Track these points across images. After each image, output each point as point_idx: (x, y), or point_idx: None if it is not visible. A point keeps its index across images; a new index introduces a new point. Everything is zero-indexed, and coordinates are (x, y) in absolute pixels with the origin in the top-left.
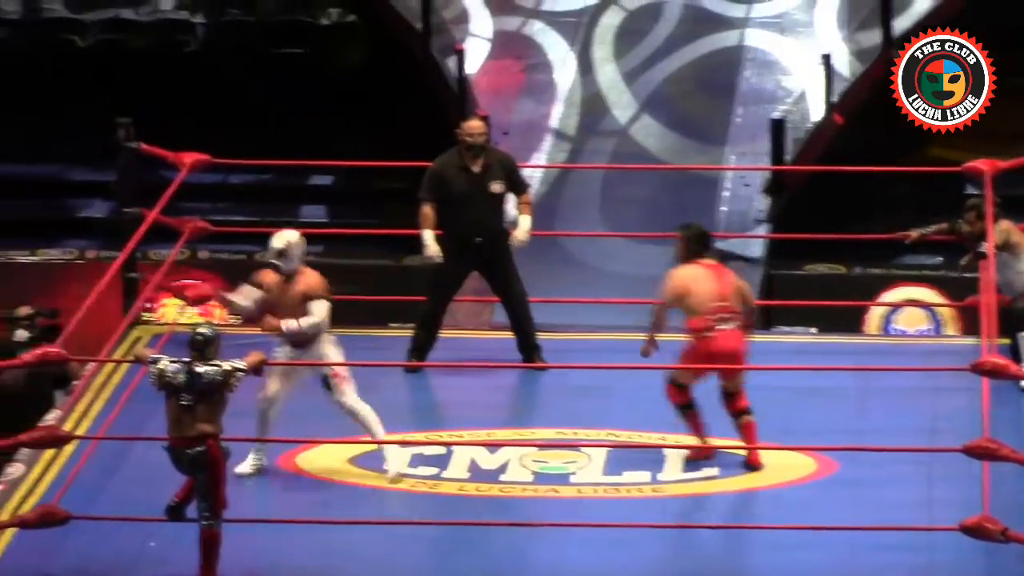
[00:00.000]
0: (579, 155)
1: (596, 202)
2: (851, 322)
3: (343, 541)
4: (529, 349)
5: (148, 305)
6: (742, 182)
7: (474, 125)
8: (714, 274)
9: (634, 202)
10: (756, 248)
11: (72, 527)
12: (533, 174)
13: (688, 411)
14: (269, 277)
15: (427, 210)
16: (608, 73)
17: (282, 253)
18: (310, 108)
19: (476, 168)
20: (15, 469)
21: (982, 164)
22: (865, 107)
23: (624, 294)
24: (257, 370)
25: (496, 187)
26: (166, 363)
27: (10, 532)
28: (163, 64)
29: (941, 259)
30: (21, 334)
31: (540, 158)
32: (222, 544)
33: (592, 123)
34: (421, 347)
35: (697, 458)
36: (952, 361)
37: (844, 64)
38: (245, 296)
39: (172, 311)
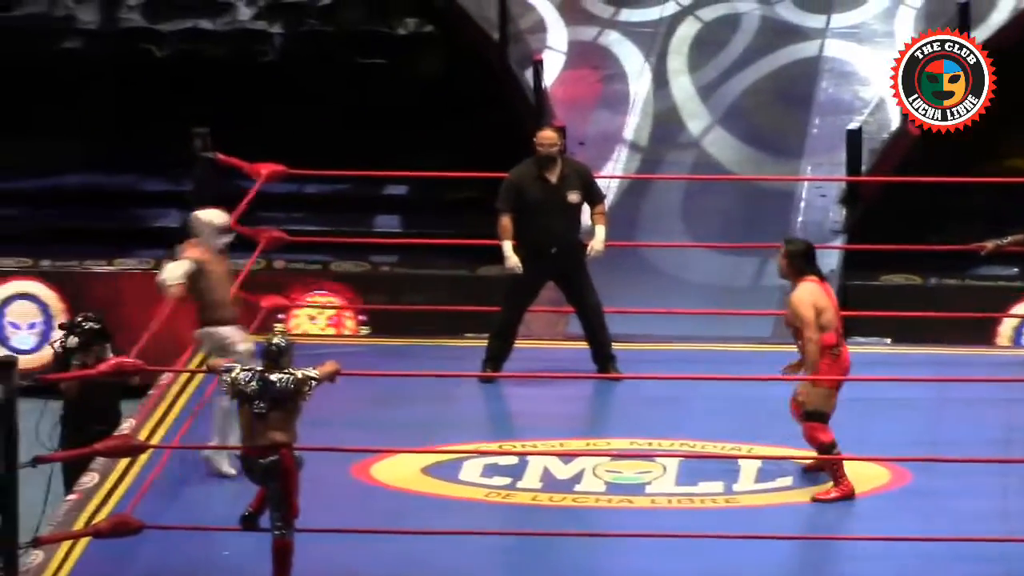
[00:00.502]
0: (654, 166)
1: (677, 213)
2: (925, 332)
3: (416, 551)
4: (604, 360)
5: (280, 317)
6: (818, 193)
7: (547, 135)
8: (827, 289)
9: (712, 213)
10: (832, 259)
11: (145, 536)
12: (609, 184)
13: (834, 451)
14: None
15: (505, 221)
16: (683, 84)
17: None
18: (387, 118)
19: (553, 178)
20: (89, 478)
21: None
22: None
23: (703, 304)
24: (331, 379)
25: (573, 197)
26: (239, 372)
27: (84, 541)
28: (240, 74)
29: (1016, 270)
30: (72, 340)
31: (615, 169)
32: (295, 554)
33: (666, 135)
34: (496, 357)
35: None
36: None
37: None
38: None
39: (305, 322)
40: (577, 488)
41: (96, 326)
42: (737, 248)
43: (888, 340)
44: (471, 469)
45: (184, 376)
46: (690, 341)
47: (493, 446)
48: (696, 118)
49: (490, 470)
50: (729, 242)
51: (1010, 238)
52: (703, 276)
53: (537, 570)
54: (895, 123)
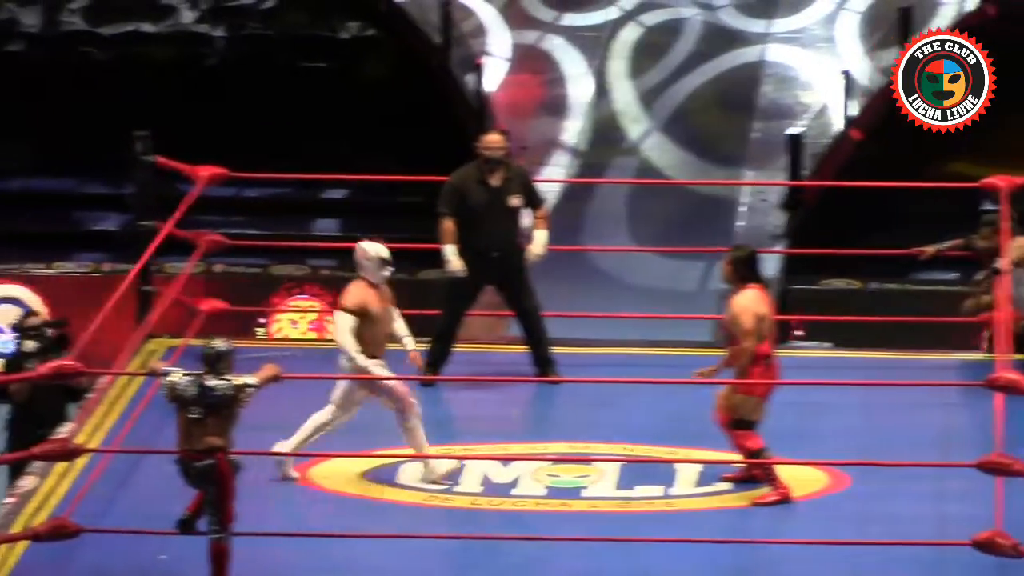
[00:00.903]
0: (595, 171)
1: (620, 217)
2: (866, 337)
3: (354, 555)
4: (543, 363)
5: (261, 321)
6: (759, 197)
7: (493, 139)
8: (766, 298)
9: (655, 218)
10: (773, 263)
11: (83, 540)
12: (551, 189)
13: (765, 456)
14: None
15: (448, 224)
16: (625, 89)
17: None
18: (329, 122)
19: (495, 182)
20: (28, 481)
21: (999, 180)
22: (883, 122)
23: (645, 307)
24: (274, 381)
25: (514, 201)
26: (178, 376)
27: (22, 545)
28: (182, 77)
29: (957, 274)
30: (30, 345)
31: (557, 173)
32: (232, 558)
33: (608, 139)
34: (436, 361)
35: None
36: (965, 376)
37: (863, 79)
38: None
39: (287, 327)
40: (516, 492)
41: (56, 332)
42: (679, 252)
43: (829, 344)
44: (410, 473)
45: (123, 379)
46: (630, 345)
47: (432, 450)
48: (638, 123)
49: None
50: (671, 246)
51: (950, 243)
52: (646, 280)
53: (476, 574)
54: (836, 128)
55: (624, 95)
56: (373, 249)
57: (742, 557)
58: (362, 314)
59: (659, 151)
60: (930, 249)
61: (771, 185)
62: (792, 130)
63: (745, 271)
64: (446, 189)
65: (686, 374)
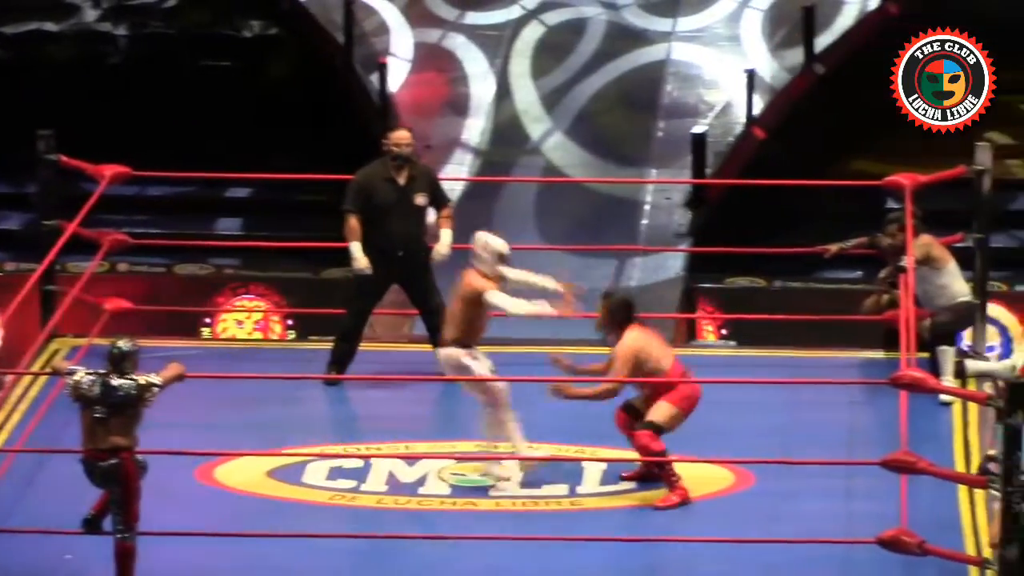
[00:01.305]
0: (500, 170)
1: (529, 216)
2: (771, 335)
3: (260, 554)
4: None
5: (207, 321)
6: (663, 196)
7: (401, 135)
8: (648, 332)
9: (561, 217)
10: (677, 262)
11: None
12: (455, 188)
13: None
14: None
15: (353, 222)
16: (528, 89)
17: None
18: (233, 121)
19: (401, 180)
20: None
21: (902, 178)
22: (787, 121)
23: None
24: (179, 380)
25: (420, 199)
26: (82, 375)
27: None
28: (85, 76)
29: (860, 273)
30: None
31: (460, 172)
32: (137, 557)
33: (512, 139)
34: (341, 359)
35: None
36: (869, 374)
37: (767, 78)
38: None
39: (232, 326)
40: (422, 491)
41: None
42: (585, 251)
43: (733, 343)
44: (315, 472)
45: (27, 378)
46: (536, 344)
47: (338, 449)
48: (541, 122)
49: (335, 473)
50: (577, 245)
51: (854, 241)
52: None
53: (382, 573)
54: (740, 126)
55: (527, 94)
56: (494, 243)
57: (649, 556)
58: (476, 301)
59: (562, 151)
60: (834, 247)
61: (675, 183)
62: (696, 129)
63: (623, 317)
64: (352, 186)
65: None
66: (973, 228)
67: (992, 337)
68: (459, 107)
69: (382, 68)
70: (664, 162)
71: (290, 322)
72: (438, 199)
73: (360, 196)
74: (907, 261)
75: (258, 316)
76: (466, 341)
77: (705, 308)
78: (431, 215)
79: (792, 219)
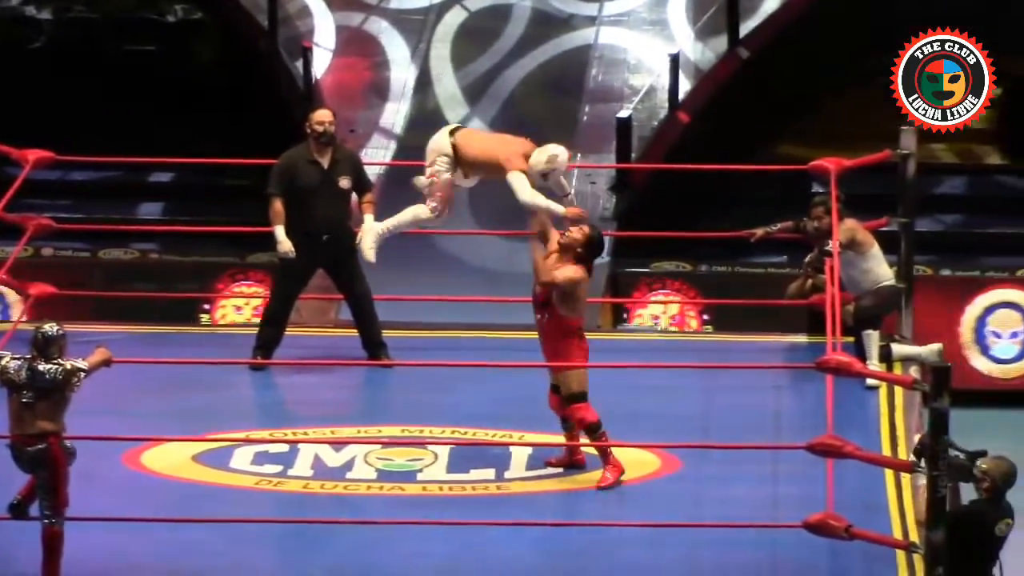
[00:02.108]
0: (421, 156)
1: (458, 202)
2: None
3: (187, 539)
4: (374, 346)
5: (206, 307)
6: (588, 180)
7: (322, 115)
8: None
9: (487, 201)
10: None
11: None
12: (376, 172)
13: (601, 429)
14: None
15: (278, 205)
16: (449, 74)
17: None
18: (157, 105)
19: (325, 162)
20: None
21: (828, 163)
22: (711, 105)
23: (483, 288)
24: (106, 365)
25: (344, 183)
26: (7, 360)
27: None
28: (8, 60)
29: (785, 257)
30: None
31: (383, 157)
32: (65, 542)
33: (433, 124)
34: (267, 344)
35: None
36: (795, 359)
37: (692, 62)
38: None
39: (231, 313)
40: (349, 475)
41: None
42: (511, 235)
43: (660, 327)
44: (242, 457)
45: None
46: (462, 328)
47: (264, 434)
48: (463, 108)
49: (261, 458)
50: (506, 229)
51: (779, 225)
52: (483, 261)
53: (309, 557)
54: (665, 111)
55: (449, 80)
56: (554, 151)
57: (576, 540)
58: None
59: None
60: (760, 231)
61: (599, 168)
62: (621, 113)
63: (589, 253)
64: (276, 169)
65: (517, 357)
66: (898, 212)
67: (1014, 323)
68: (382, 92)
69: (306, 52)
70: (589, 147)
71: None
72: (362, 183)
73: (283, 179)
74: (832, 245)
75: (256, 303)
76: None
77: (687, 293)
78: (354, 200)
79: (718, 203)
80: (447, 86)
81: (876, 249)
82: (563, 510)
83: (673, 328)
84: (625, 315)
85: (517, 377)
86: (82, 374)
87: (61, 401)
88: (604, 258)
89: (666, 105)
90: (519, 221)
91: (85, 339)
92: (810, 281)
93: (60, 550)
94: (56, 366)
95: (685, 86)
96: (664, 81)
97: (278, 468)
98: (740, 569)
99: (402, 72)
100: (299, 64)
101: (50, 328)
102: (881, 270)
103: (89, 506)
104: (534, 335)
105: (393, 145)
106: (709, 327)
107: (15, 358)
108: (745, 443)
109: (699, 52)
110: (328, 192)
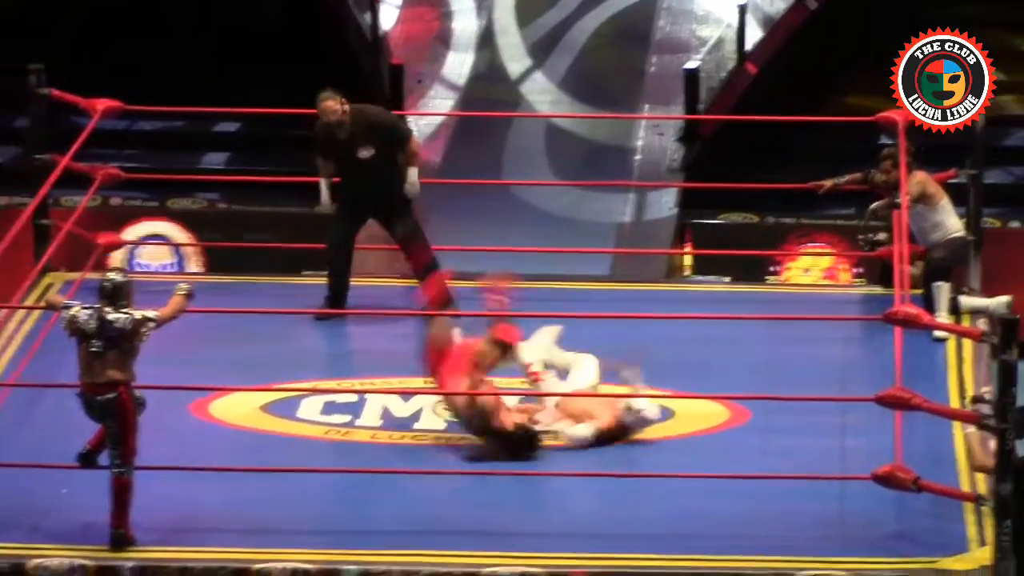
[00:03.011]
0: (489, 107)
1: (528, 153)
2: (764, 271)
3: (255, 489)
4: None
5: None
6: (655, 132)
7: (325, 107)
8: None
9: (553, 154)
10: (670, 197)
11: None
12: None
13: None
14: None
15: (320, 161)
16: (517, 25)
17: None
18: (224, 55)
19: (342, 136)
20: None
21: (895, 114)
22: (779, 56)
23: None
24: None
25: (363, 153)
26: (77, 309)
27: None
28: (77, 10)
29: (853, 209)
30: None
31: (449, 108)
32: (134, 491)
33: (499, 75)
34: (336, 293)
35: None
36: (864, 310)
37: (760, 12)
38: None
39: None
40: (416, 426)
41: None
42: (578, 186)
43: (727, 279)
44: (310, 407)
45: (20, 313)
46: (533, 280)
47: (332, 384)
48: (527, 59)
49: (329, 408)
50: (574, 178)
51: (847, 177)
52: (557, 210)
53: (376, 507)
54: (733, 61)
55: (513, 31)
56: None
57: (642, 491)
58: None
59: (555, 87)
60: (828, 183)
61: (667, 119)
62: (689, 64)
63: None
64: (315, 136)
65: (585, 308)
66: (967, 164)
67: None
68: (448, 43)
69: (373, 2)
70: (657, 98)
71: None
72: (392, 140)
73: (318, 145)
74: (901, 198)
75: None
76: None
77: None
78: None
79: (785, 155)
80: (512, 38)
81: (946, 201)
82: (629, 461)
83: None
84: (775, 268)
85: (583, 328)
86: (151, 324)
87: (130, 351)
88: (671, 209)
89: (734, 56)
90: (580, 173)
91: (154, 288)
92: (883, 234)
93: (129, 499)
94: (125, 315)
95: (753, 37)
96: (732, 32)
97: (346, 418)
98: (807, 521)
99: (469, 23)
100: (367, 15)
101: (117, 276)
102: (951, 222)
103: (158, 455)
104: (601, 285)
105: (457, 96)
106: (861, 280)
107: (85, 308)
108: (814, 395)
109: (767, 2)
110: (352, 162)
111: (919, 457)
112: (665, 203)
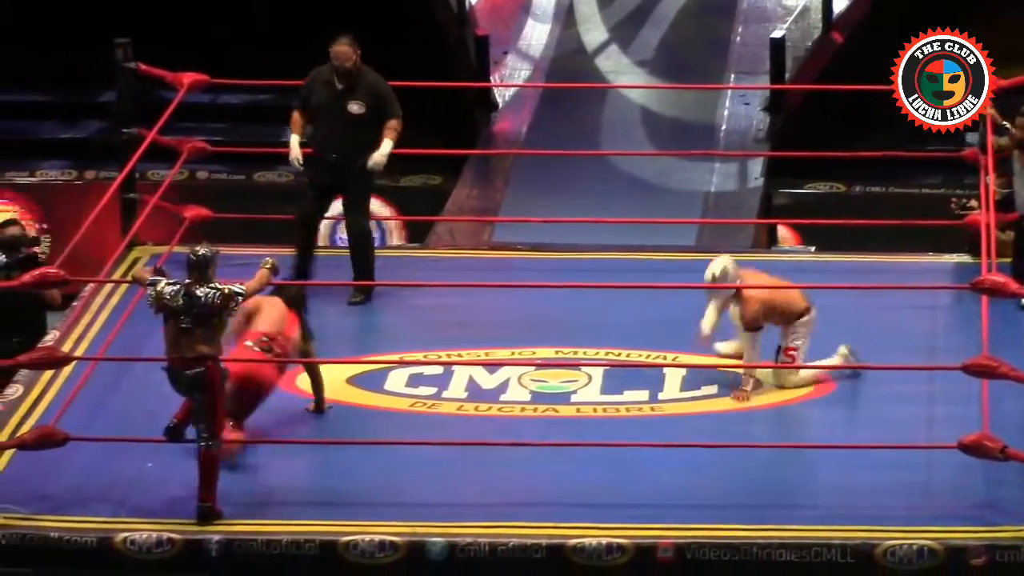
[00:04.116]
0: (574, 77)
1: (619, 123)
2: (850, 240)
3: (341, 461)
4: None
5: None
6: (741, 101)
7: (339, 50)
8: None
9: (639, 125)
10: (756, 167)
11: (71, 448)
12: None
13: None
14: None
15: (295, 116)
16: None
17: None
18: (308, 28)
19: (340, 85)
20: (13, 390)
21: None
22: (865, 24)
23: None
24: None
25: (354, 108)
26: (164, 285)
27: (9, 453)
28: None
29: (940, 178)
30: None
31: (533, 78)
32: (221, 464)
33: (585, 47)
34: (300, 268)
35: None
36: (951, 279)
37: None
38: None
39: None
40: (503, 398)
41: (27, 250)
42: (665, 155)
43: (812, 248)
44: (396, 379)
45: (108, 286)
46: (616, 249)
47: (418, 356)
48: (614, 29)
49: (416, 380)
50: (658, 148)
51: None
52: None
53: (463, 479)
54: (818, 30)
55: (597, 6)
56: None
57: (729, 461)
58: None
59: (643, 56)
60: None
61: (753, 89)
62: (775, 34)
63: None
64: (307, 82)
65: (670, 278)
66: None
67: None
68: (534, 14)
69: None
70: (742, 67)
71: None
72: (383, 111)
73: (303, 93)
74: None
75: None
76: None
77: None
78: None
79: (872, 124)
80: (599, 7)
81: None
82: (717, 432)
83: None
84: None
85: (671, 299)
86: (240, 298)
87: (219, 325)
88: (757, 179)
89: (820, 25)
90: (667, 142)
91: (236, 262)
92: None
93: (216, 473)
94: (214, 290)
95: (839, 5)
96: (817, 1)
97: (432, 390)
98: (894, 490)
99: None
100: None
101: (205, 250)
102: None
103: (245, 428)
104: (688, 256)
105: (545, 67)
106: None
107: (170, 283)
108: (901, 364)
109: None
110: (337, 115)
111: (1006, 426)
112: (752, 173)
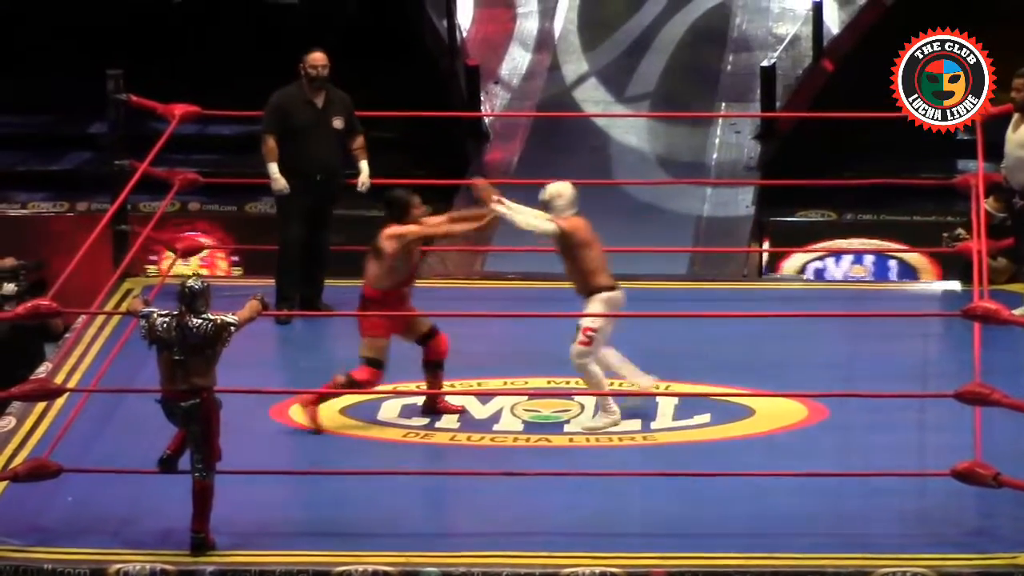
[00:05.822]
0: (562, 107)
1: (599, 151)
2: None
3: (335, 492)
4: (313, 299)
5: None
6: (732, 129)
7: (316, 57)
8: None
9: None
10: (747, 195)
11: (64, 480)
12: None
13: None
14: None
15: (271, 143)
16: (592, 25)
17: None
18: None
19: (319, 102)
20: (6, 422)
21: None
22: (856, 52)
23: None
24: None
25: (337, 123)
26: (156, 316)
27: (2, 485)
28: (153, 15)
29: (932, 205)
30: (8, 288)
31: (526, 108)
32: (215, 496)
33: (578, 75)
34: (291, 296)
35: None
36: (943, 306)
37: (836, 9)
38: None
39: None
40: (495, 427)
41: (33, 275)
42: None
43: (804, 276)
44: (389, 410)
45: (100, 318)
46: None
47: (411, 386)
48: (603, 58)
49: (408, 410)
50: (650, 178)
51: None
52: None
53: (456, 509)
54: (809, 58)
55: (591, 31)
56: (567, 189)
57: (723, 490)
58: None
59: (632, 84)
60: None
61: (743, 117)
62: (765, 62)
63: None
64: (269, 107)
65: (663, 307)
66: None
67: None
68: (524, 44)
69: (450, 4)
70: (733, 96)
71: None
72: (353, 126)
73: (277, 117)
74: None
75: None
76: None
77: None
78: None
79: (863, 151)
80: (588, 38)
81: None
82: (710, 460)
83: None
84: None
85: (662, 327)
86: (233, 328)
87: (212, 356)
88: (748, 207)
89: (811, 53)
90: (656, 171)
91: (228, 293)
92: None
93: (210, 503)
94: (206, 321)
95: (830, 33)
96: (808, 29)
97: (425, 420)
98: (888, 517)
99: (545, 23)
100: (444, 15)
101: (195, 282)
102: None
103: (237, 459)
104: (682, 285)
105: (537, 95)
106: None
107: (162, 315)
108: (893, 391)
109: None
110: (322, 132)
111: (999, 453)
112: (742, 201)
